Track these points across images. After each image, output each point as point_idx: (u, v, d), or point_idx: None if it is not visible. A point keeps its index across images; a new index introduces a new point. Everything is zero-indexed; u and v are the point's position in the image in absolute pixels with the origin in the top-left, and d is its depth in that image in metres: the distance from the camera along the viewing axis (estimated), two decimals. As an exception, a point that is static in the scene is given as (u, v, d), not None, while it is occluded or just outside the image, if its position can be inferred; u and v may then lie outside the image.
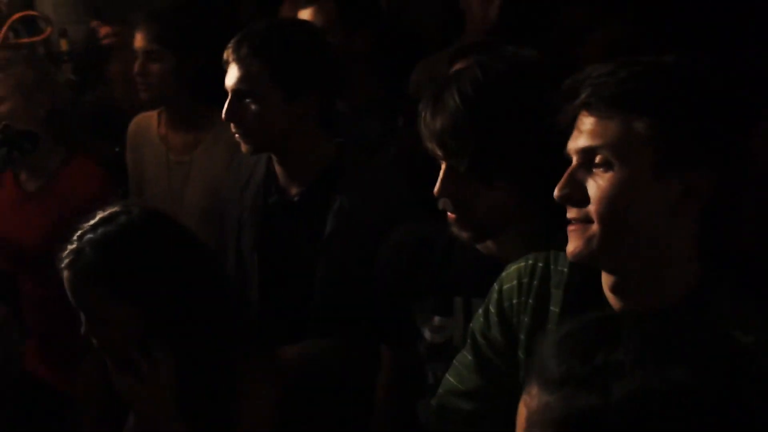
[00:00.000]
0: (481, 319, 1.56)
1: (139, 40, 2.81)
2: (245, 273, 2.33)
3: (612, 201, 1.28)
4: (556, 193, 1.33)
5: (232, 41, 2.21)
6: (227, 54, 2.20)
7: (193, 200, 2.81)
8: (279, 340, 2.17)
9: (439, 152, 1.62)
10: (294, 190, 2.27)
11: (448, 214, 1.67)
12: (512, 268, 1.53)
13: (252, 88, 2.17)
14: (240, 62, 2.17)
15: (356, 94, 2.80)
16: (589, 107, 1.29)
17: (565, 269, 1.45)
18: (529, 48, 1.76)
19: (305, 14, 2.72)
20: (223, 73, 2.24)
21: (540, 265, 1.49)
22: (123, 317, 1.68)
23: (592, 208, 1.30)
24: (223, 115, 2.22)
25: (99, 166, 2.89)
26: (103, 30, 3.30)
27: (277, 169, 2.29)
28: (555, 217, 1.39)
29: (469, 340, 1.58)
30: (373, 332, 2.03)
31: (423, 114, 1.64)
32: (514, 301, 1.50)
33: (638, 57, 1.34)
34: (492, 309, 1.53)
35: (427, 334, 1.80)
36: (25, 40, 3.58)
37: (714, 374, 0.85)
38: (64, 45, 3.79)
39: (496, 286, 1.54)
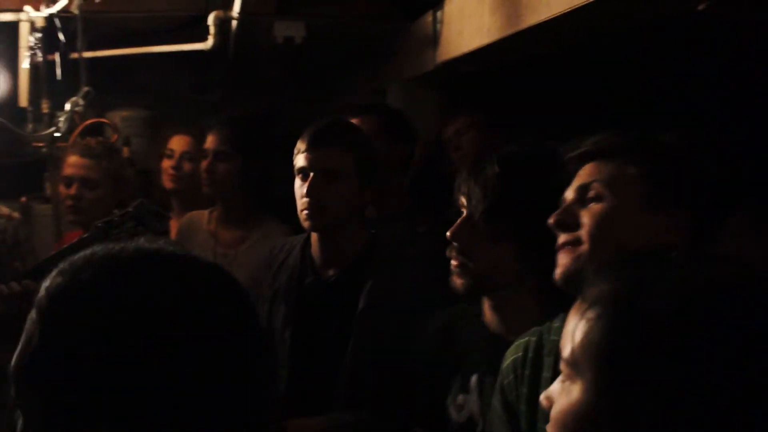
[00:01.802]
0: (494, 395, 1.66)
1: (210, 141, 3.06)
2: (274, 350, 2.39)
3: (602, 224, 1.41)
4: (551, 220, 1.46)
5: (307, 132, 2.34)
6: (301, 142, 2.35)
7: None
8: (305, 415, 2.26)
9: (463, 201, 1.79)
10: (330, 273, 2.39)
11: (452, 261, 1.80)
12: (511, 347, 1.61)
13: (339, 168, 2.29)
14: (327, 145, 2.31)
15: (386, 201, 2.95)
16: (588, 156, 1.48)
17: (557, 338, 1.49)
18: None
19: None
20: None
21: (533, 339, 1.58)
22: None
23: (583, 231, 1.42)
24: (304, 190, 2.30)
25: None
26: None
27: (315, 253, 2.41)
28: (549, 293, 1.51)
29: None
30: (407, 415, 2.05)
31: (462, 174, 1.82)
32: (511, 377, 1.58)
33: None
34: (497, 387, 1.63)
35: (453, 413, 1.87)
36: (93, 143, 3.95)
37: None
38: (126, 152, 4.18)
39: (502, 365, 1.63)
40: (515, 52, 2.98)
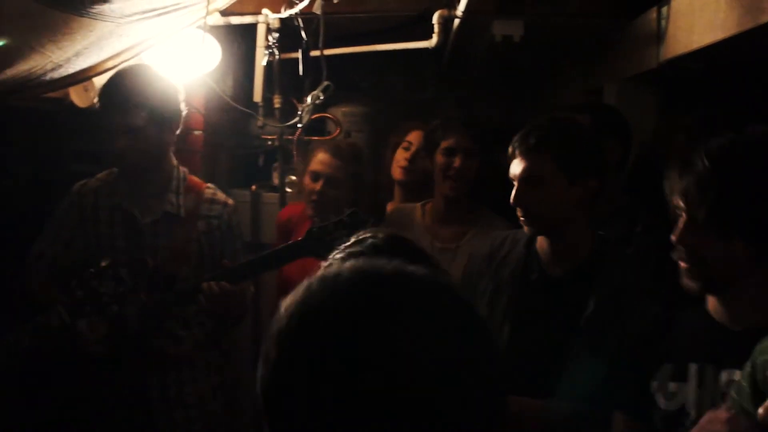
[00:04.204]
0: (737, 389, 1.59)
1: (459, 140, 3.12)
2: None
3: None
4: None
5: (518, 136, 2.42)
6: (513, 147, 2.41)
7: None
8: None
9: (681, 204, 1.75)
10: (556, 271, 2.43)
11: (681, 264, 1.78)
12: (765, 342, 1.54)
13: (539, 174, 2.35)
14: (527, 152, 2.37)
15: (601, 200, 2.89)
16: None
17: None
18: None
19: None
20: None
21: None
22: None
23: None
24: (511, 200, 2.40)
25: None
26: None
27: (543, 250, 2.45)
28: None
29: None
30: (611, 399, 2.05)
31: (671, 174, 1.78)
32: (767, 373, 1.51)
33: None
34: (744, 382, 1.56)
35: (661, 401, 1.85)
36: (316, 138, 4.17)
37: None
38: (346, 146, 4.39)
39: (750, 359, 1.55)
40: (751, 49, 2.87)
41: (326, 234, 2.63)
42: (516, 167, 2.39)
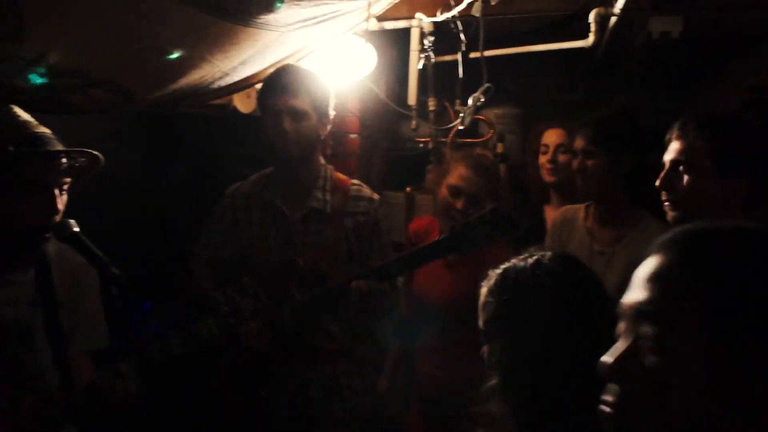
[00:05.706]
0: None
1: (578, 141, 3.17)
2: None
3: None
4: None
5: (678, 122, 2.43)
6: (672, 132, 2.44)
7: (611, 287, 2.94)
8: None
9: None
10: None
11: None
12: None
13: (690, 158, 2.36)
14: (684, 136, 2.38)
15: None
16: None
17: None
18: None
19: None
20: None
21: None
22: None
23: None
24: (657, 182, 2.43)
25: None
26: None
27: None
28: None
29: None
30: None
31: None
32: None
33: None
34: None
35: None
36: (469, 140, 4.18)
37: None
38: (500, 148, 4.37)
39: None
40: None
41: (469, 230, 2.66)
42: (669, 151, 2.42)
